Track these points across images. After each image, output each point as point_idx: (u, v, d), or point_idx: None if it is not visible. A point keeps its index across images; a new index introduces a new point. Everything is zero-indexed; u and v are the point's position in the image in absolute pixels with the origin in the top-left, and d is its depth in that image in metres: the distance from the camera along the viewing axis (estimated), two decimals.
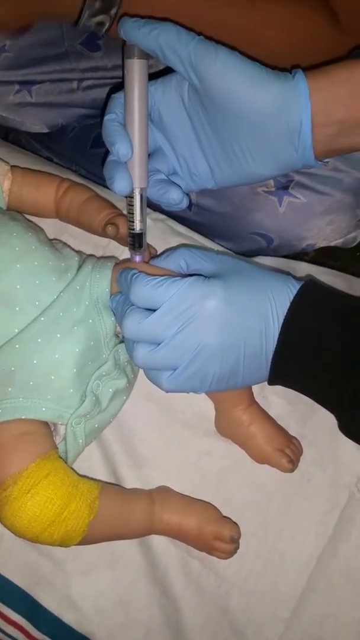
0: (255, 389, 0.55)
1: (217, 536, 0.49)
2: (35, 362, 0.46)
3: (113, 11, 0.49)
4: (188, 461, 0.54)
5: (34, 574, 0.51)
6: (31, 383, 0.46)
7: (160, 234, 0.61)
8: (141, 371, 0.54)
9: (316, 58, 0.49)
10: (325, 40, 0.54)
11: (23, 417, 0.45)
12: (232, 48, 0.46)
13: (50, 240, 0.53)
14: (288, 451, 0.52)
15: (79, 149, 0.75)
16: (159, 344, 0.42)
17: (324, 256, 0.83)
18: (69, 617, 0.51)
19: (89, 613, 0.51)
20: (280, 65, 0.56)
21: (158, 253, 0.57)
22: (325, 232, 0.70)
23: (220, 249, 0.63)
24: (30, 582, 0.51)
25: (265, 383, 0.55)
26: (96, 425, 0.49)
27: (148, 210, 0.63)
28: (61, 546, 0.46)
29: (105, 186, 0.64)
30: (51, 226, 0.57)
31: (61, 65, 0.69)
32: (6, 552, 0.52)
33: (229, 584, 0.52)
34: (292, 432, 0.55)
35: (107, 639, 0.50)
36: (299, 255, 0.73)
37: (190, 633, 0.50)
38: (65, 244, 0.54)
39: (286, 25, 0.53)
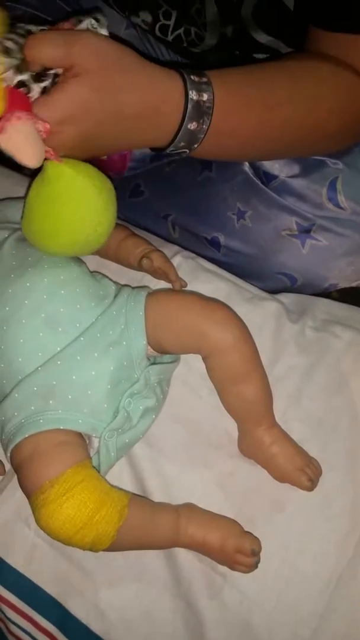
0: (277, 414, 0.57)
1: (238, 549, 0.51)
2: (74, 377, 0.51)
3: (195, 145, 0.53)
4: (213, 481, 0.57)
5: (64, 583, 0.54)
6: (70, 397, 0.51)
7: (191, 270, 0.66)
8: (170, 392, 0.58)
9: None
10: None
11: (61, 428, 0.50)
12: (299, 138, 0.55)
13: (91, 272, 0.59)
14: (308, 470, 0.54)
15: (119, 198, 0.82)
16: None
17: (347, 296, 0.86)
18: (96, 627, 0.53)
19: (116, 623, 0.53)
20: (336, 146, 0.64)
21: (187, 287, 0.63)
22: (346, 273, 0.73)
23: (248, 286, 0.68)
24: (61, 591, 0.54)
25: (287, 410, 0.58)
26: (127, 440, 0.53)
27: (180, 248, 0.69)
28: (91, 550, 0.49)
29: (142, 227, 0.70)
30: (91, 262, 0.63)
31: None
32: (39, 561, 0.55)
33: (251, 601, 0.53)
34: (313, 456, 0.57)
35: None
36: (323, 295, 0.76)
37: None
38: (104, 275, 0.60)
39: (342, 111, 0.58)
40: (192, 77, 0.50)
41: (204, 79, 0.50)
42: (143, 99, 0.48)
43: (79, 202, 0.49)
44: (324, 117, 0.57)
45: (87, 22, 0.48)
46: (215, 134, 0.52)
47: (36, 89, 0.46)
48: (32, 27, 0.47)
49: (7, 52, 0.45)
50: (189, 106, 0.49)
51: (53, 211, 0.49)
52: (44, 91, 0.46)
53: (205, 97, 0.50)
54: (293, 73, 0.56)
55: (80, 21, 0.48)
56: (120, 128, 0.49)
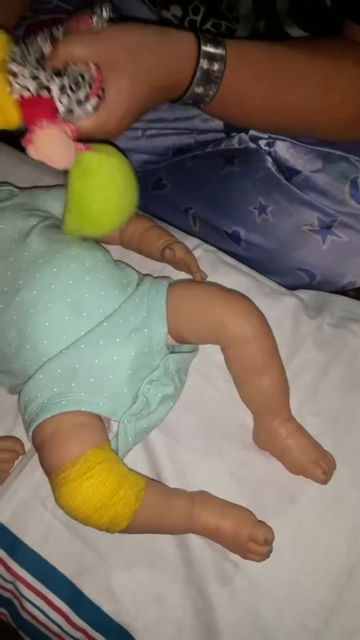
0: (293, 408, 0.58)
1: (251, 538, 0.52)
2: (96, 361, 0.52)
3: (202, 105, 0.58)
4: (227, 471, 0.58)
5: (78, 564, 0.55)
6: (92, 380, 0.52)
7: (211, 263, 0.67)
8: (188, 383, 0.59)
9: None
10: None
11: (83, 410, 0.51)
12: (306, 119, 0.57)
13: (115, 260, 0.60)
14: (322, 463, 0.55)
15: (141, 191, 0.83)
16: None
17: None
18: (108, 607, 0.54)
19: (127, 605, 0.54)
20: (353, 135, 0.64)
21: (207, 279, 0.63)
22: None
23: (267, 281, 0.69)
24: (75, 571, 0.55)
25: (303, 404, 0.59)
26: (145, 426, 0.54)
27: (200, 241, 0.69)
28: (108, 531, 0.50)
29: (163, 220, 0.71)
30: (114, 252, 0.64)
31: None
32: (55, 542, 0.56)
33: (262, 591, 0.54)
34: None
35: (142, 630, 0.53)
36: (340, 294, 0.77)
37: (222, 633, 0.52)
38: (127, 264, 0.61)
39: (358, 101, 0.59)
40: (208, 45, 0.54)
41: (219, 50, 0.54)
42: (167, 71, 0.53)
43: (122, 180, 0.53)
44: (335, 103, 0.59)
45: (98, 19, 0.51)
46: (222, 100, 0.56)
47: (55, 88, 0.48)
48: (55, 31, 0.49)
49: (21, 63, 0.47)
50: (198, 73, 0.54)
51: (103, 195, 0.53)
52: (63, 89, 0.48)
53: (215, 67, 0.54)
54: (313, 56, 0.58)
55: (92, 13, 0.51)
56: (155, 98, 0.54)
